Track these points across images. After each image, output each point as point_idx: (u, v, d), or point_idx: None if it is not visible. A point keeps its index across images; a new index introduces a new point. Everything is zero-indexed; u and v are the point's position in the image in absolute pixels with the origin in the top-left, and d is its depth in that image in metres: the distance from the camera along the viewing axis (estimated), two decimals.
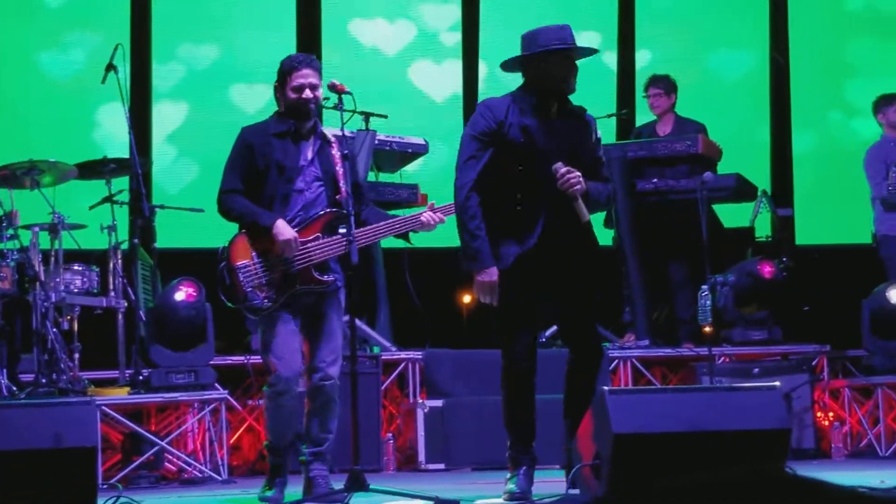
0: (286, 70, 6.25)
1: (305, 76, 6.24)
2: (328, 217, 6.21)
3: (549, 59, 5.84)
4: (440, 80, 11.46)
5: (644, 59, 11.74)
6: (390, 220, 6.36)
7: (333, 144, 6.31)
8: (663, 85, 10.18)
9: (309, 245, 6.15)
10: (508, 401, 5.95)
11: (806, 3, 12.32)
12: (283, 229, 6.07)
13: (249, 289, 6.09)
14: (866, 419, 9.47)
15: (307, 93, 6.19)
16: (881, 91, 10.96)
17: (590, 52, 6.02)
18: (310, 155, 6.29)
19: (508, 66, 6.01)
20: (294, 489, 6.42)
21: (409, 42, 11.41)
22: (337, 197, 6.20)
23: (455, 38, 11.44)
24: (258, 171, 6.17)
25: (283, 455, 6.41)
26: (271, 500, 6.33)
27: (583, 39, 6.07)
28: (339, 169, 6.23)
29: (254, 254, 6.13)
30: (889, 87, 11.19)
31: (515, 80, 6.06)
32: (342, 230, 6.09)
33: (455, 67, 11.42)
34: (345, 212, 6.05)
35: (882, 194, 9.93)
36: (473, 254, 5.82)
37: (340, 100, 6.18)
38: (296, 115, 6.24)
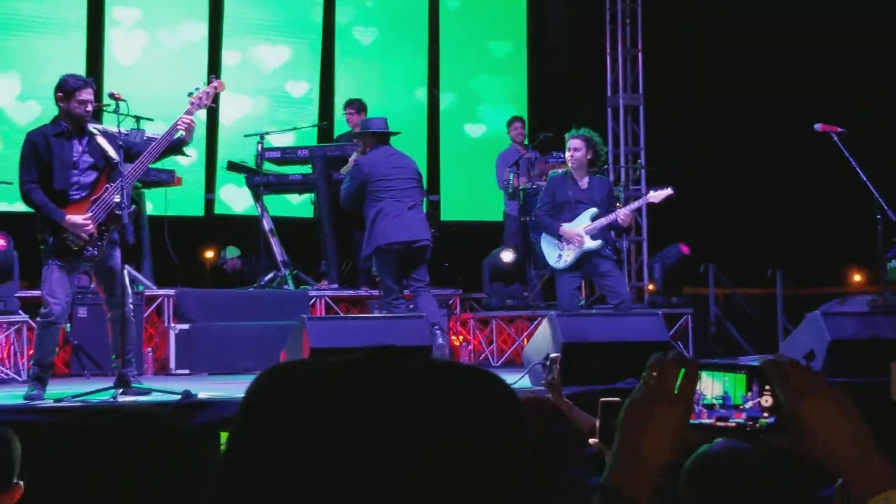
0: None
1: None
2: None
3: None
4: None
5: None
6: (153, 143, 7.01)
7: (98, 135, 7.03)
8: (356, 106, 11.23)
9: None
10: None
11: (454, 48, 13.59)
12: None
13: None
14: (485, 341, 10.72)
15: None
16: (503, 114, 12.35)
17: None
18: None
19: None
20: (53, 387, 6.94)
21: None
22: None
23: None
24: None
25: (46, 369, 6.91)
26: (35, 397, 6.80)
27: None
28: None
29: None
30: (508, 111, 12.62)
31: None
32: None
33: None
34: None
35: (501, 187, 11.46)
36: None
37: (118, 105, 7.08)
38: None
